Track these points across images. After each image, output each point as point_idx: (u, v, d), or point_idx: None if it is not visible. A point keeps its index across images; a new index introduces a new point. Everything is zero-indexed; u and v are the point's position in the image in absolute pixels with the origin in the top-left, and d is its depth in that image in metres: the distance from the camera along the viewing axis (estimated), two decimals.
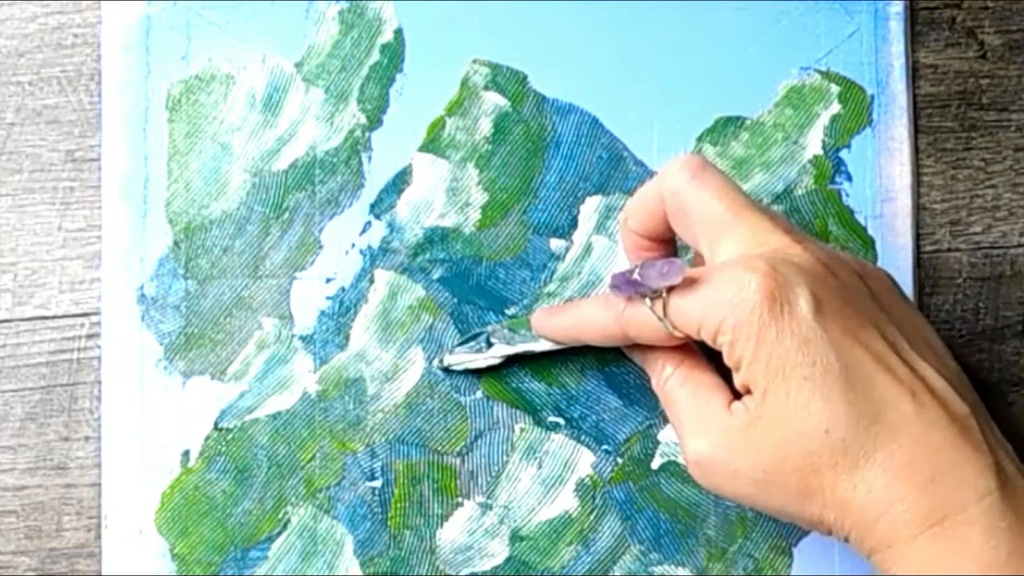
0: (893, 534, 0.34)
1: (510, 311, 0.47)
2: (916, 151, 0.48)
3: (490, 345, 0.45)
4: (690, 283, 0.37)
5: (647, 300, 0.38)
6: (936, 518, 0.34)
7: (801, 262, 0.36)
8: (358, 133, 0.47)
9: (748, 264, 0.36)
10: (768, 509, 0.37)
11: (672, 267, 0.37)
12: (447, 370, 0.46)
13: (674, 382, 0.39)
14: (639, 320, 0.38)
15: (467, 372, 0.46)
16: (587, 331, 0.41)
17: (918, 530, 0.34)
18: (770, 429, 0.35)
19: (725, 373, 0.38)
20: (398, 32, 0.47)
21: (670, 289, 0.37)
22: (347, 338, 0.46)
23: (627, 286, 0.38)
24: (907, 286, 0.47)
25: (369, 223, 0.47)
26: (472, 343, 0.45)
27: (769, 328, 0.35)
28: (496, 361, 0.45)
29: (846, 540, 0.36)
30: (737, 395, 0.38)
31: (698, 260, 0.43)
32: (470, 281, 0.47)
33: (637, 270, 0.38)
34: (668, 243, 0.42)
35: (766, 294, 0.35)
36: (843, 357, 0.35)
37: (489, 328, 0.46)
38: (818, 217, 0.47)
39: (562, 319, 0.42)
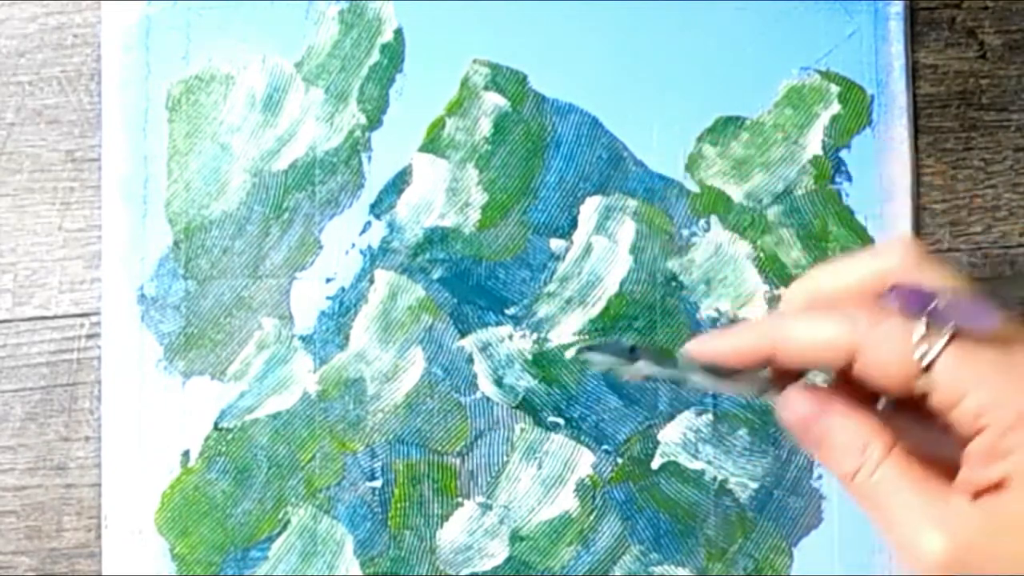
0: None
1: (510, 311, 0.47)
2: (916, 151, 0.48)
3: (634, 356, 0.40)
4: (987, 343, 0.31)
5: (921, 328, 0.31)
6: None
7: None
8: (358, 133, 0.47)
9: None
10: None
11: (990, 311, 0.30)
12: (580, 360, 0.42)
13: (891, 470, 0.32)
14: (887, 347, 0.31)
15: (603, 371, 0.43)
16: (793, 343, 0.33)
17: None
18: None
19: None
20: (398, 32, 0.47)
21: (953, 337, 0.31)
22: (347, 338, 0.46)
23: (918, 306, 0.31)
24: None
25: (369, 223, 0.47)
26: (615, 347, 0.41)
27: None
28: (638, 375, 0.41)
29: None
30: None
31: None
32: (470, 281, 0.47)
33: (944, 297, 0.31)
34: None
35: None
36: None
37: (634, 341, 0.43)
38: (818, 217, 0.47)
39: (743, 336, 0.34)
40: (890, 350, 0.31)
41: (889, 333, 0.31)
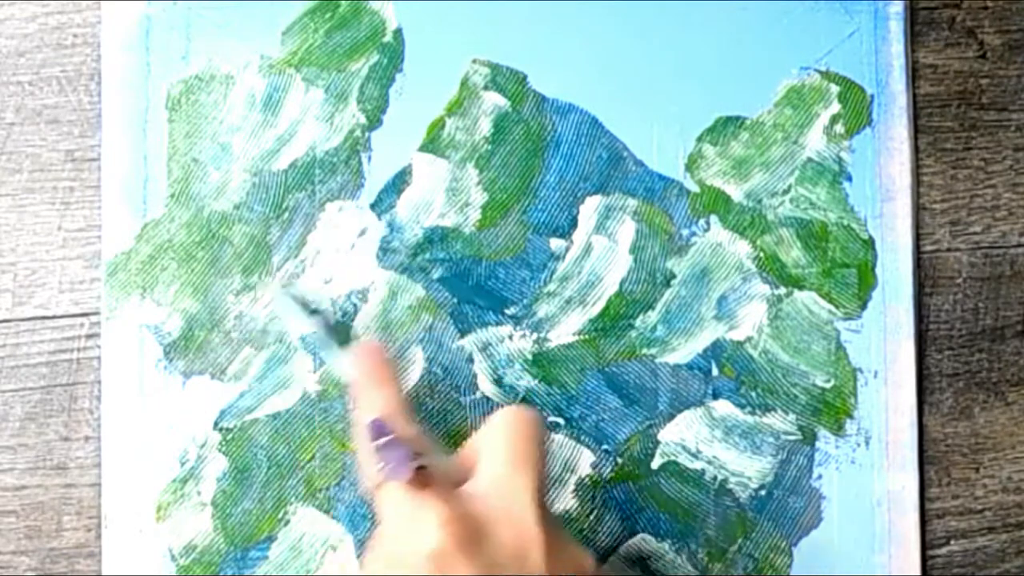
0: None
1: (510, 311, 0.47)
2: (916, 151, 0.48)
3: (314, 313, 0.46)
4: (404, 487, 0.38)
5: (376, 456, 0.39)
6: None
7: None
8: (358, 133, 0.47)
9: None
10: None
11: (406, 465, 0.38)
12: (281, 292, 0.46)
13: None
14: (361, 457, 0.40)
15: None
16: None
17: None
18: None
19: None
20: (398, 32, 0.47)
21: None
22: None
23: (375, 438, 0.39)
24: (907, 286, 0.47)
25: (369, 223, 0.47)
26: (308, 307, 0.46)
27: None
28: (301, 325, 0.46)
29: None
30: None
31: None
32: (470, 281, 0.47)
33: (382, 442, 0.38)
34: None
35: None
36: None
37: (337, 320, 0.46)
38: (818, 217, 0.47)
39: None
40: (364, 461, 0.39)
41: (363, 449, 0.39)
